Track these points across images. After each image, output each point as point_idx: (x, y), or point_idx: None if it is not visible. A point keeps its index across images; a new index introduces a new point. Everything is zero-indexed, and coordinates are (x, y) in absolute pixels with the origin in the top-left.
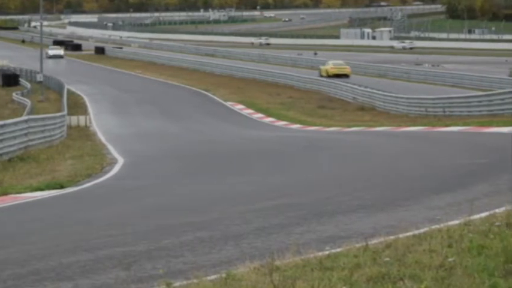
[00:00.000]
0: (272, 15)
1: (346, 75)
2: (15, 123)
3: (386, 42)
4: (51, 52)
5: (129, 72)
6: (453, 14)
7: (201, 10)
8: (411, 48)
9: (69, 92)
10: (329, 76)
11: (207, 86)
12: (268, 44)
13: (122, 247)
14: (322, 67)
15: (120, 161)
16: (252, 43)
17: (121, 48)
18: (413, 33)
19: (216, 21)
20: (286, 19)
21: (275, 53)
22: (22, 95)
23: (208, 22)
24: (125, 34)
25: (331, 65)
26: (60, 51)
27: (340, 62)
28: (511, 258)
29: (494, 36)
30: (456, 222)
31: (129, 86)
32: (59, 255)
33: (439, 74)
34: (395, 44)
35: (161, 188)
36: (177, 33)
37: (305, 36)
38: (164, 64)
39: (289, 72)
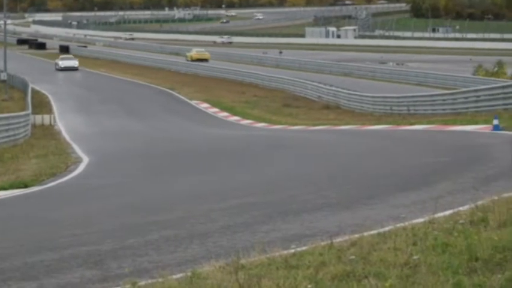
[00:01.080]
0: (234, 14)
1: (206, 60)
2: None
3: (351, 41)
4: (62, 63)
5: (93, 70)
6: (417, 12)
7: (166, 9)
8: (230, 43)
9: (34, 91)
10: (193, 60)
11: (172, 85)
12: (230, 43)
13: (87, 246)
14: (187, 53)
15: (85, 160)
16: (214, 42)
17: (85, 47)
18: (377, 32)
19: (181, 20)
20: (261, 16)
21: (240, 51)
22: None
23: (173, 21)
24: (89, 33)
25: (195, 52)
26: (75, 62)
27: (202, 49)
28: (475, 256)
29: (458, 35)
30: (420, 220)
31: (94, 85)
32: (23, 255)
33: (404, 73)
34: (217, 38)
35: (126, 187)
36: (142, 32)
37: (270, 35)
38: (129, 63)
39: (254, 70)
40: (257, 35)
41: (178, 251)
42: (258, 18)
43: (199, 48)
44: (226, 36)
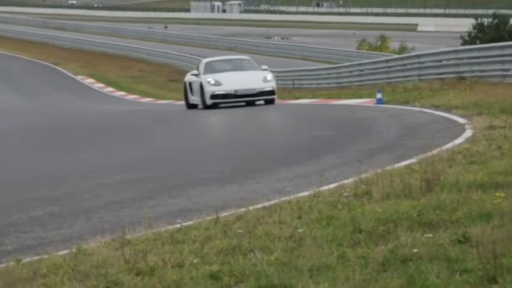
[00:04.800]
0: None
1: None
2: None
3: (236, 16)
4: None
5: None
6: None
7: None
8: None
9: None
10: None
11: (56, 60)
12: None
13: None
14: None
15: None
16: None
17: None
18: (263, 7)
19: None
20: None
21: (125, 26)
22: None
23: None
24: None
25: None
26: None
27: None
28: (359, 228)
29: (342, 10)
30: (305, 193)
31: None
32: None
33: (289, 47)
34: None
35: (8, 163)
36: (25, 7)
37: (155, 10)
38: (10, 37)
39: (139, 45)
40: (142, 10)
41: (63, 227)
42: None
43: None
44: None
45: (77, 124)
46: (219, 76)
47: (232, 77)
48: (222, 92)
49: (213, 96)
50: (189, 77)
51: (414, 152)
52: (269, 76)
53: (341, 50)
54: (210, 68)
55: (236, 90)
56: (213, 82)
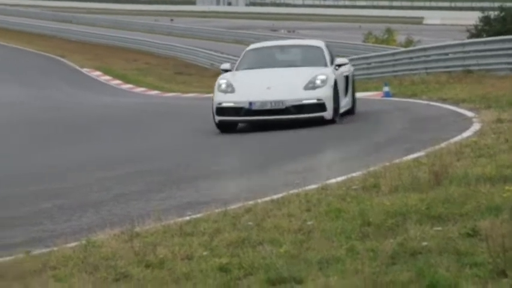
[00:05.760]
0: None
1: None
2: None
3: (242, 8)
4: None
5: None
6: None
7: None
8: None
9: None
10: None
11: (63, 53)
12: None
13: None
14: None
15: None
16: None
17: None
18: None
19: None
20: None
21: (131, 19)
22: None
23: None
24: None
25: None
26: None
27: None
28: (368, 221)
29: (348, 3)
30: (314, 186)
31: None
32: None
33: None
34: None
35: (15, 156)
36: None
37: (161, 2)
38: (19, 30)
39: (145, 38)
40: (148, 3)
41: (72, 219)
42: None
43: None
44: None
45: (85, 116)
46: (243, 75)
47: (262, 77)
48: (230, 105)
49: (220, 111)
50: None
51: (422, 145)
52: (320, 78)
53: (347, 43)
54: (247, 60)
55: (252, 103)
56: (224, 86)
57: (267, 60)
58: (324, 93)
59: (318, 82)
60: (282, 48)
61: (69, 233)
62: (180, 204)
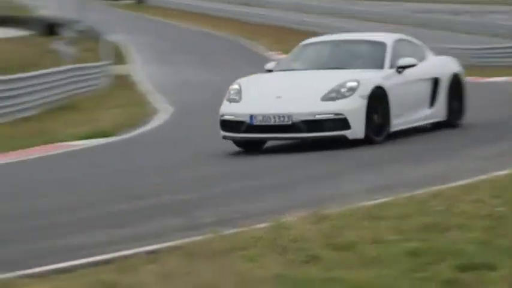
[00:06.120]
0: None
1: None
2: (60, 72)
3: None
4: None
5: (167, 21)
6: None
7: None
8: None
9: (111, 42)
10: None
11: (248, 35)
12: None
13: (170, 195)
14: None
15: (168, 110)
16: None
17: None
18: None
19: None
20: None
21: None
22: (64, 44)
23: None
24: None
25: None
26: None
27: None
28: None
29: None
30: (503, 172)
31: (170, 36)
32: (106, 203)
33: None
34: None
35: (209, 136)
36: None
37: None
38: (200, 13)
39: (325, 21)
40: None
41: (260, 200)
42: None
43: None
44: None
45: None
46: (259, 80)
47: (278, 83)
48: (231, 118)
49: (223, 125)
50: None
51: None
52: (349, 86)
53: None
54: (290, 59)
55: (253, 116)
56: (232, 93)
57: (312, 59)
58: (347, 106)
59: (344, 90)
60: (336, 44)
61: (258, 214)
62: (368, 188)
